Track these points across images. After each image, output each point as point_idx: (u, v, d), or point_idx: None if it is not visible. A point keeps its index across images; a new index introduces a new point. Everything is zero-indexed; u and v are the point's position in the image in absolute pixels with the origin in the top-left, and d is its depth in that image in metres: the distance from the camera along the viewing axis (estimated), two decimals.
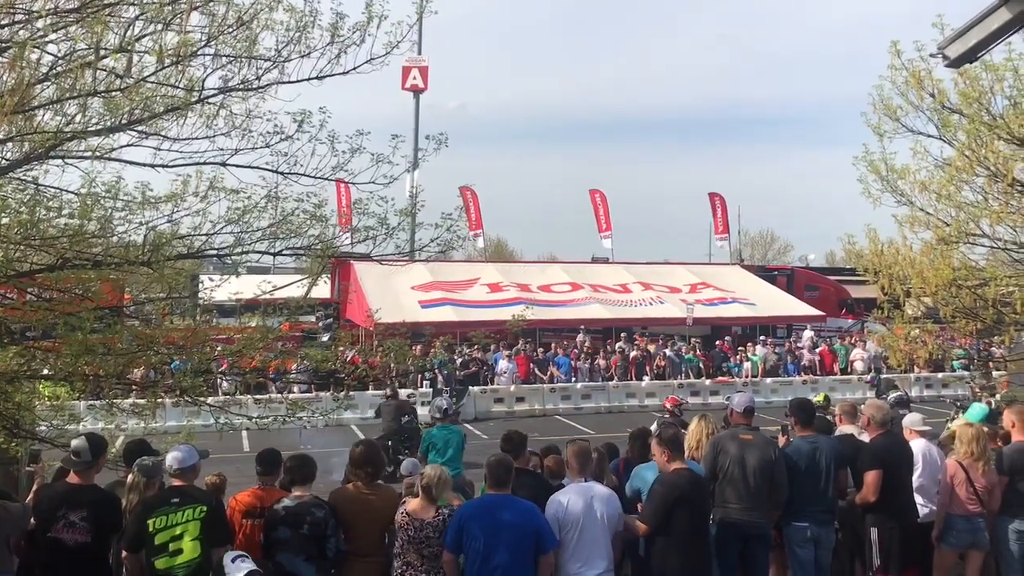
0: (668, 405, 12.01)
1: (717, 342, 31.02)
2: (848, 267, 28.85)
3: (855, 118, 11.96)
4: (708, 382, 28.04)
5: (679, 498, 6.43)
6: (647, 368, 28.36)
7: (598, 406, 26.36)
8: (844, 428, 8.63)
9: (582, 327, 30.42)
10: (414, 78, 43.71)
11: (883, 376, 24.69)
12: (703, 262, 45.60)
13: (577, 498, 6.19)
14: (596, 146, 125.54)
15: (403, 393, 22.62)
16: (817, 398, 12.54)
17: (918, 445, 8.11)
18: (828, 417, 10.09)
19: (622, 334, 30.61)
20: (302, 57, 7.29)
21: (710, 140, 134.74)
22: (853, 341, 31.61)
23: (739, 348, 30.53)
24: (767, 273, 40.20)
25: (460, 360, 25.85)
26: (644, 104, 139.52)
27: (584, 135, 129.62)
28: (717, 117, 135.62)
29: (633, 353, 28.56)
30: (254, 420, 8.38)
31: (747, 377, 28.75)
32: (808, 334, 33.12)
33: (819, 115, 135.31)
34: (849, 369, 30.16)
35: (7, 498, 6.50)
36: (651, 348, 29.44)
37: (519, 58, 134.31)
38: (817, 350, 31.03)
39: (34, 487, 7.21)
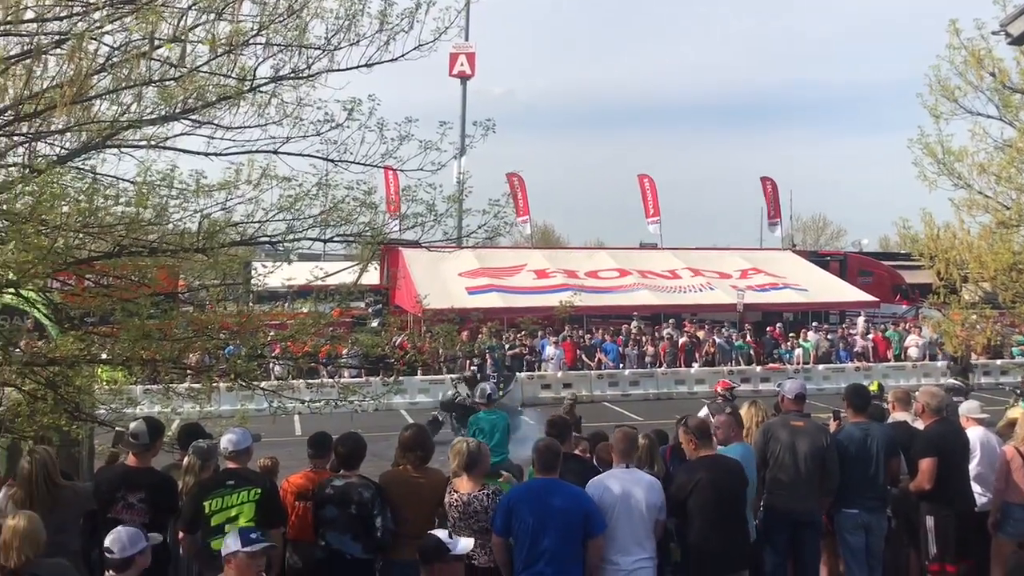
0: (719, 389, 11.89)
1: (768, 328, 30.64)
2: (903, 252, 28.27)
3: (908, 102, 11.74)
4: (759, 369, 27.75)
5: (697, 484, 6.33)
6: (696, 354, 28.15)
7: (646, 393, 26.24)
8: (897, 415, 8.49)
9: (635, 314, 30.26)
10: (461, 64, 43.55)
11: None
12: (754, 247, 45.06)
13: (616, 483, 6.15)
14: (642, 131, 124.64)
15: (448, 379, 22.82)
16: (872, 386, 12.33)
17: (975, 433, 7.94)
18: (883, 405, 9.93)
19: (670, 320, 30.41)
20: (351, 45, 7.31)
21: (758, 125, 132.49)
22: (908, 327, 31.02)
23: (790, 334, 30.16)
24: (819, 258, 39.62)
25: (508, 346, 25.89)
26: (687, 89, 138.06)
27: (630, 120, 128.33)
28: (763, 102, 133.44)
29: (682, 340, 28.37)
30: (306, 404, 8.49)
31: (798, 364, 28.37)
32: (861, 320, 32.56)
33: (872, 99, 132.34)
34: (903, 356, 29.62)
35: (71, 480, 6.70)
36: (700, 334, 29.21)
37: (564, 43, 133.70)
38: (869, 336, 30.51)
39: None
